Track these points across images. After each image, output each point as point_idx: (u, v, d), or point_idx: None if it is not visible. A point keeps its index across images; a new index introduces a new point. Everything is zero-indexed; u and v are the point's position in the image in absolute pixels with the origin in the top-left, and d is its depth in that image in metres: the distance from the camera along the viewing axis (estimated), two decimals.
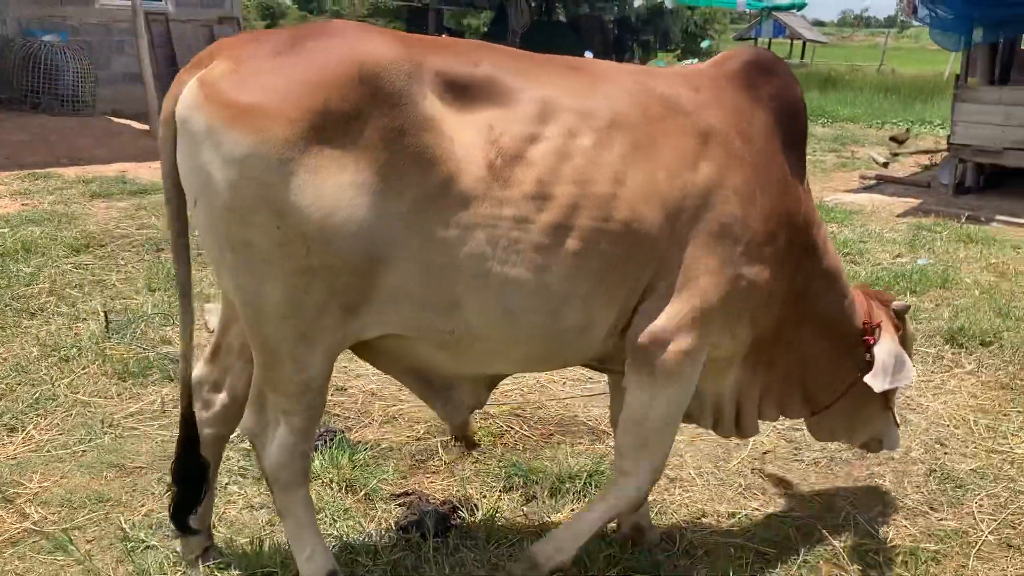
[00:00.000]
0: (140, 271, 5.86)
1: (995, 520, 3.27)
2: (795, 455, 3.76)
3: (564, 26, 22.97)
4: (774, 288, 2.58)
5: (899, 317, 2.94)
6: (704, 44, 29.41)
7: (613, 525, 3.04)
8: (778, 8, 22.74)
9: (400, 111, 2.08)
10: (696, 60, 21.13)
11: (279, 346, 2.20)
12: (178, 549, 2.85)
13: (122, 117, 13.04)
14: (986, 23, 9.61)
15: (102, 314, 4.87)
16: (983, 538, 3.15)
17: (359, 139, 2.05)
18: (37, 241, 6.30)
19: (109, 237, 6.67)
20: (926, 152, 13.74)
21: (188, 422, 2.48)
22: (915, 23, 12.47)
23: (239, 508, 3.19)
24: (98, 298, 5.25)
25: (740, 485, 3.49)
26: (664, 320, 2.42)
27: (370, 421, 3.93)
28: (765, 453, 3.75)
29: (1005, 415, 4.18)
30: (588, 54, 15.78)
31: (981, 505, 3.38)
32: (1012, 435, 3.96)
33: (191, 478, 2.52)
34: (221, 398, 2.65)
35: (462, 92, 2.19)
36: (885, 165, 12.46)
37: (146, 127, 11.87)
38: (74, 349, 4.41)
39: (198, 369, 2.64)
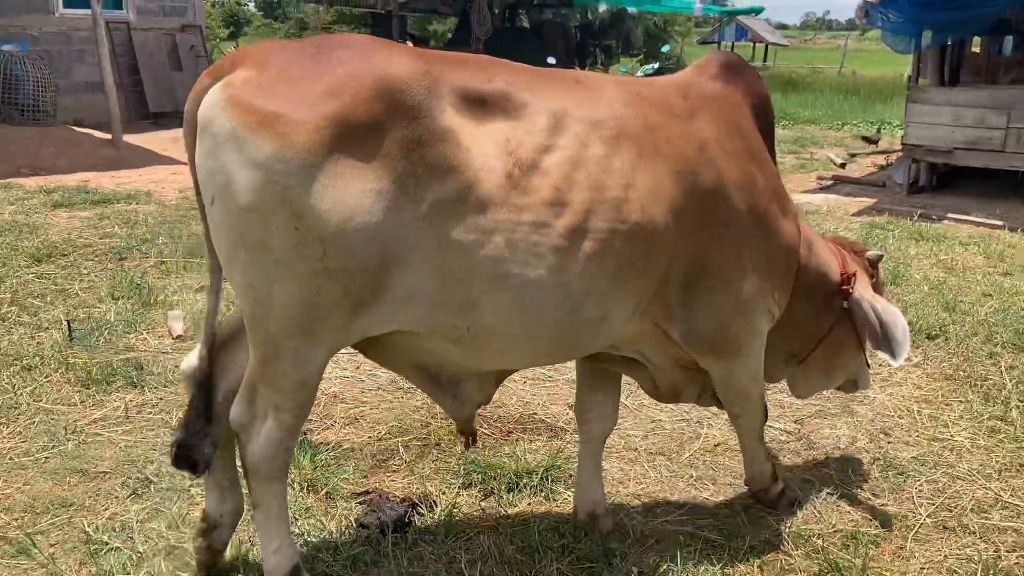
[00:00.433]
0: (103, 280, 5.88)
1: (933, 504, 3.41)
2: None
3: (527, 32, 23.14)
4: (786, 251, 2.91)
5: (873, 266, 3.27)
6: (664, 48, 29.70)
7: (570, 510, 3.18)
8: (735, 12, 23.05)
9: (419, 123, 2.20)
10: (657, 64, 21.38)
11: (282, 343, 2.27)
12: (141, 549, 2.91)
13: (84, 126, 12.97)
14: (934, 26, 9.89)
15: (65, 323, 4.89)
16: (921, 521, 3.29)
17: (379, 148, 2.15)
18: None
19: (71, 247, 6.67)
20: (883, 152, 14.04)
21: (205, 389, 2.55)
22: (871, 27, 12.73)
23: (202, 509, 3.23)
24: (61, 307, 5.27)
25: (692, 476, 3.61)
26: (710, 309, 2.74)
27: (332, 423, 4.00)
28: (717, 445, 3.88)
29: (947, 405, 4.34)
30: (551, 60, 15.92)
31: (921, 491, 3.52)
32: (953, 424, 4.12)
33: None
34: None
35: (478, 106, 2.32)
36: (843, 166, 12.72)
37: (108, 136, 11.81)
38: (36, 358, 4.43)
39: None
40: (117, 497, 3.30)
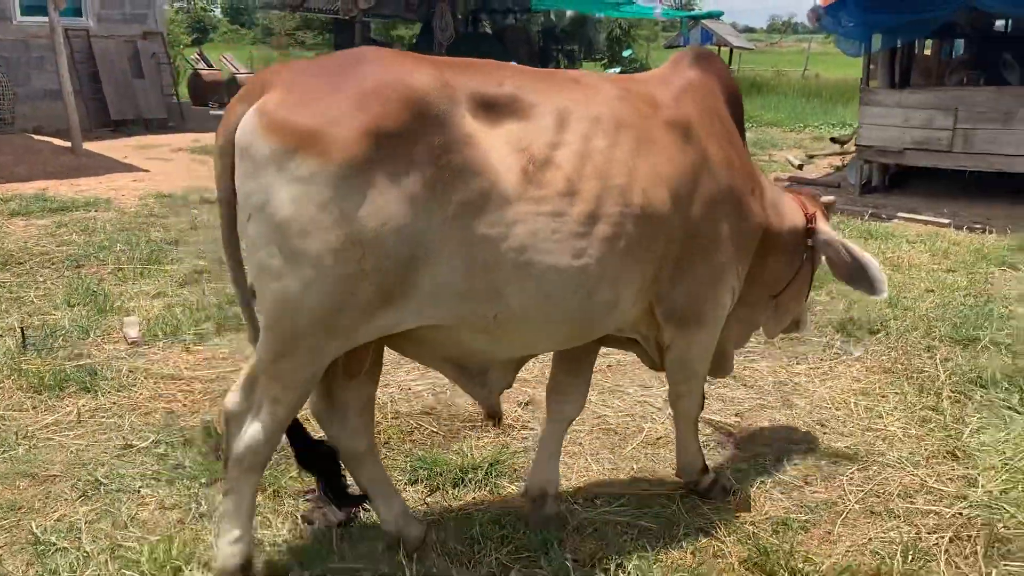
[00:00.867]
0: (59, 287, 5.89)
1: (862, 491, 3.55)
2: None
3: (490, 37, 23.23)
4: (754, 230, 3.15)
5: (828, 209, 3.60)
6: (626, 53, 29.98)
7: (513, 503, 3.29)
8: (695, 16, 23.33)
9: (444, 131, 2.37)
10: (619, 68, 21.57)
11: (304, 341, 2.40)
12: (88, 549, 2.97)
13: (43, 134, 12.90)
14: (883, 29, 10.12)
15: (18, 329, 4.91)
16: (850, 507, 3.42)
17: (408, 157, 2.32)
18: None
19: (28, 255, 6.67)
20: (840, 154, 14.30)
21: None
22: (824, 31, 12.97)
23: (151, 509, 3.30)
24: (15, 314, 5.29)
25: (632, 469, 3.72)
26: (688, 283, 2.96)
27: None
28: (658, 439, 3.99)
29: (883, 396, 4.50)
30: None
31: (852, 478, 3.66)
32: (887, 414, 4.27)
33: (315, 458, 2.89)
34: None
35: (491, 109, 2.51)
36: (800, 167, 12.96)
37: (67, 144, 11.76)
38: None
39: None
40: (67, 499, 3.34)
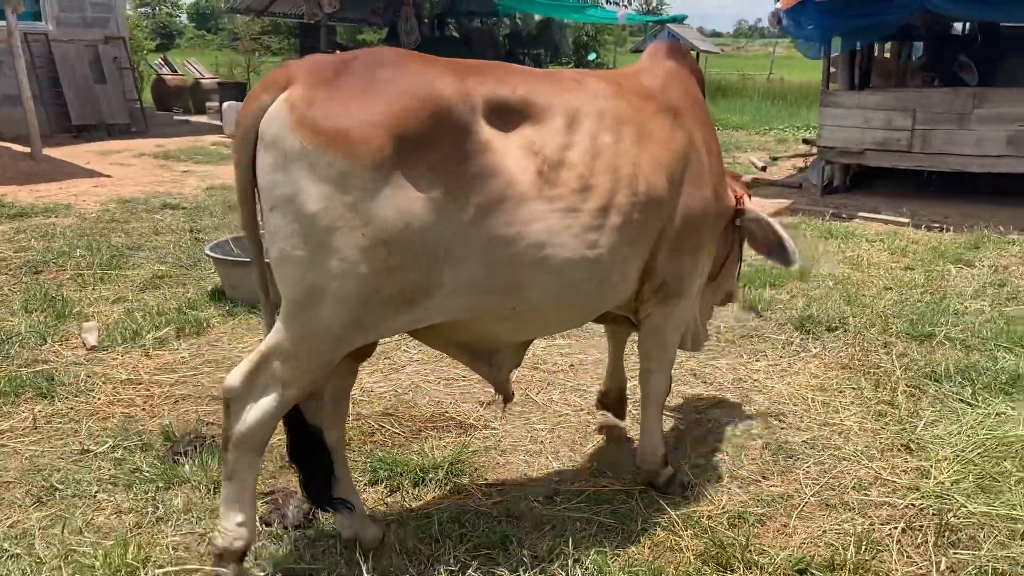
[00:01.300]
0: (16, 293, 5.82)
1: (818, 484, 3.60)
2: None
3: (456, 41, 23.20)
4: (728, 207, 3.41)
5: (749, 187, 3.80)
6: (591, 57, 30.12)
7: (473, 503, 3.27)
8: (658, 21, 23.49)
9: (463, 137, 2.48)
10: None
11: (328, 331, 2.47)
12: (41, 555, 2.94)
13: (2, 140, 12.69)
14: (843, 32, 10.27)
15: None
16: (806, 500, 3.47)
17: (432, 160, 2.42)
18: None
19: None
20: (802, 156, 14.48)
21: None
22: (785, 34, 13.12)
23: (107, 514, 3.27)
24: None
25: (593, 466, 3.74)
26: (677, 259, 3.14)
27: None
28: (619, 436, 4.02)
29: (840, 392, 4.56)
30: None
31: (808, 472, 3.71)
32: (844, 409, 4.33)
33: (307, 452, 2.87)
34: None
35: (505, 113, 2.63)
36: (763, 169, 12.97)
37: (27, 149, 11.59)
38: None
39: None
40: (20, 506, 3.30)
